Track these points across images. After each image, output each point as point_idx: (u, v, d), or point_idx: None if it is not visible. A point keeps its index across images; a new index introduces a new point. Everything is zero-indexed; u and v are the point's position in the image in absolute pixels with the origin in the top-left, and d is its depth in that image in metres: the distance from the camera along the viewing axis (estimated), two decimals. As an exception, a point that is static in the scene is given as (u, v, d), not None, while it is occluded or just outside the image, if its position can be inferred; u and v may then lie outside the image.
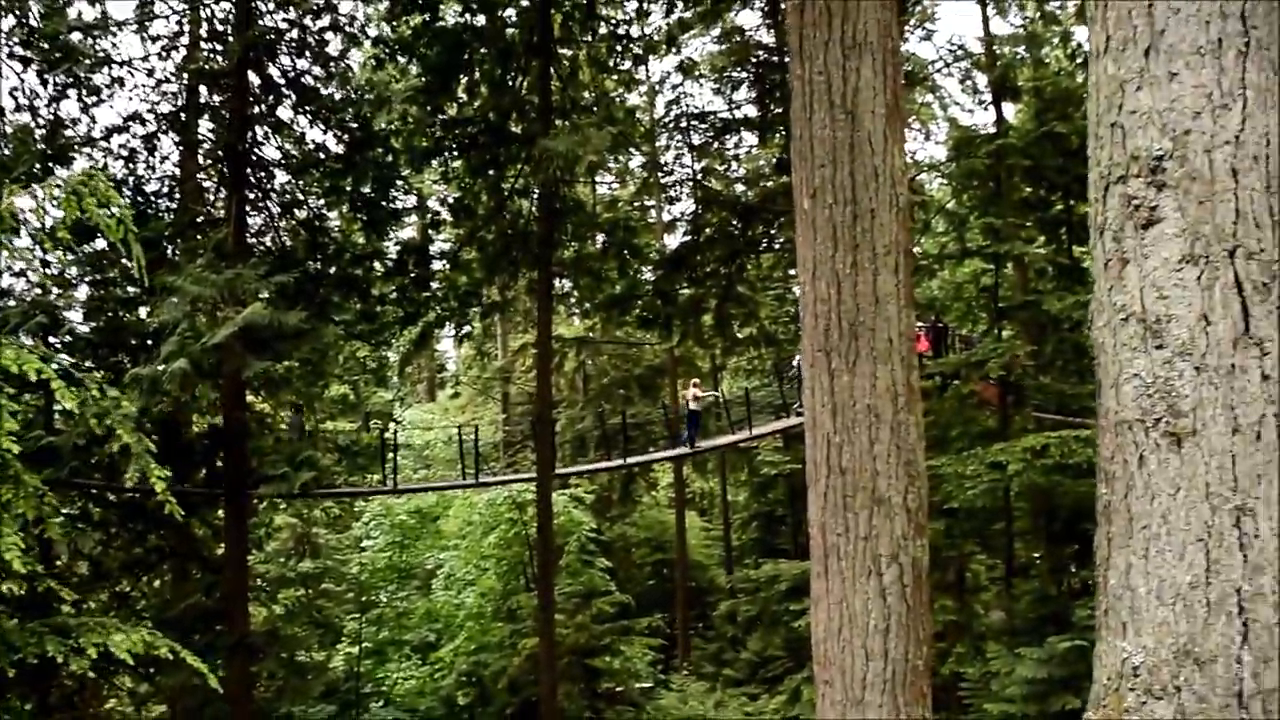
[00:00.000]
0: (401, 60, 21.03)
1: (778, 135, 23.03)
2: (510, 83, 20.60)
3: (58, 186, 6.06)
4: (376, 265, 21.60)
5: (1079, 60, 28.42)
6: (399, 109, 20.03)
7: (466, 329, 23.79)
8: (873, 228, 6.83)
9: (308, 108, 20.90)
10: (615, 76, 22.85)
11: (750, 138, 25.89)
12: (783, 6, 22.19)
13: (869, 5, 6.96)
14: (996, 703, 12.61)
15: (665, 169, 23.74)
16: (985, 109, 25.71)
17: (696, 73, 23.72)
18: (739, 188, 25.58)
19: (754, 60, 24.02)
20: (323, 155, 21.18)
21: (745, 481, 43.36)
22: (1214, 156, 3.59)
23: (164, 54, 20.69)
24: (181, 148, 21.24)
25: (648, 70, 28.81)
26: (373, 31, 20.87)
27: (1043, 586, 15.38)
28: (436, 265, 22.13)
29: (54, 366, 9.78)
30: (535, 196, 20.93)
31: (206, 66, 20.35)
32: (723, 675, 33.52)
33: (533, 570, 26.79)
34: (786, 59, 23.77)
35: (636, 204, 34.04)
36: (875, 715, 6.73)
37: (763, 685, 32.64)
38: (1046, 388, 17.38)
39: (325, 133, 21.20)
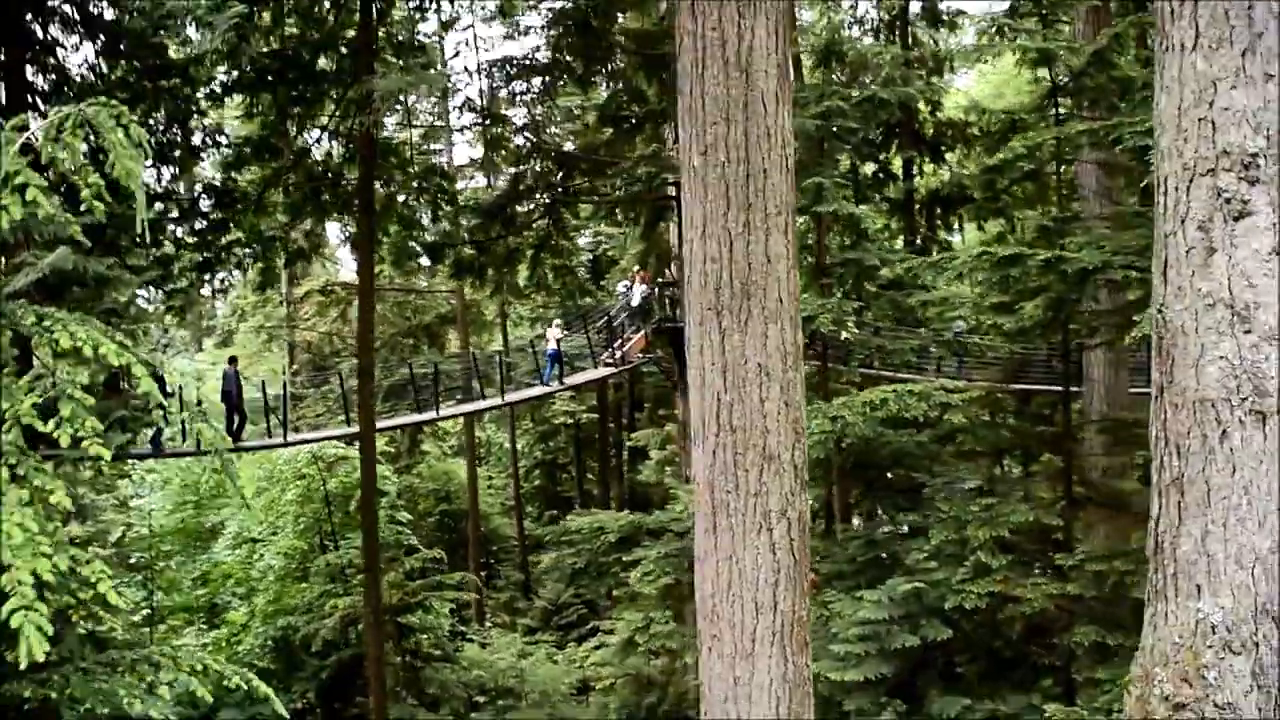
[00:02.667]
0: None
1: (596, 86, 22.86)
2: (323, 16, 19.40)
3: (65, 114, 5.15)
4: (171, 207, 19.90)
5: (868, 28, 29.81)
6: (197, 36, 18.43)
7: (265, 275, 22.39)
8: (765, 188, 6.84)
9: (87, 28, 18.86)
10: (431, 17, 21.95)
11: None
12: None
13: (764, -38, 6.89)
14: (838, 644, 13.33)
15: (481, 113, 23.04)
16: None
17: (511, 17, 23.10)
18: (542, 135, 25.12)
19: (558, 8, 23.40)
20: (106, 83, 19.17)
21: (527, 430, 43.47)
22: (1308, 156, 3.81)
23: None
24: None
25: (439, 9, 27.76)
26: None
27: (869, 532, 16.31)
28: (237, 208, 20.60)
29: None
30: (349, 138, 19.89)
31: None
32: (519, 624, 33.84)
33: (330, 527, 25.91)
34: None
35: (424, 148, 33.01)
36: (765, 667, 6.87)
37: (558, 632, 33.24)
38: (865, 343, 18.36)
39: (112, 58, 19.16)
